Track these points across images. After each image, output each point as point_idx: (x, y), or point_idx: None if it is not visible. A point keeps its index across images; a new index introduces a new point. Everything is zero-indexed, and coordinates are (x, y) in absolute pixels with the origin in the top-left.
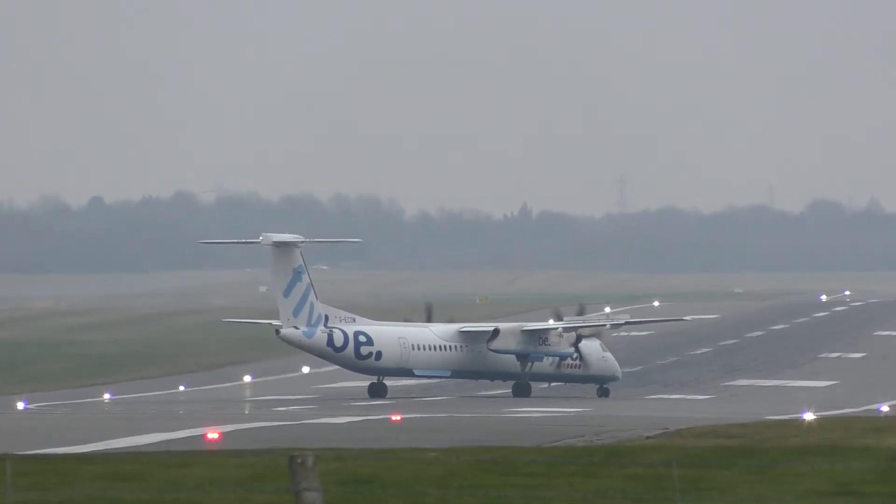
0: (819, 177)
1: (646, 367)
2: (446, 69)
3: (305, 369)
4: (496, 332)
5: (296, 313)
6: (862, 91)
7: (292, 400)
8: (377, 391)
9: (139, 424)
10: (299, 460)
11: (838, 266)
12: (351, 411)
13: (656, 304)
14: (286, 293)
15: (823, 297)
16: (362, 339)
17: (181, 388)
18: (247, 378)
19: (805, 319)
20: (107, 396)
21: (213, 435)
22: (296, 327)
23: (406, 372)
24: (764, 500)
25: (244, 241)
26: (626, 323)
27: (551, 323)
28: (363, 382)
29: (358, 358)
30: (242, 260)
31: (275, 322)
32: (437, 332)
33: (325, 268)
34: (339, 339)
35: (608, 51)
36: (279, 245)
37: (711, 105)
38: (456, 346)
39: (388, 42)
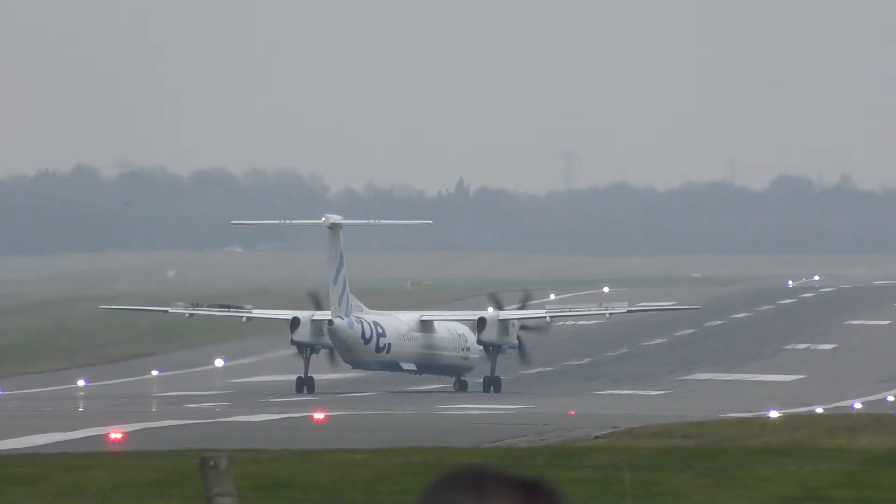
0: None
1: (594, 359)
2: (373, 34)
3: (219, 362)
4: (482, 321)
5: (340, 302)
6: (831, 59)
7: (204, 396)
8: (305, 385)
9: (34, 423)
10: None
11: (806, 248)
12: (269, 408)
13: (606, 290)
14: (335, 280)
15: (790, 283)
16: (379, 329)
17: (81, 382)
18: (154, 372)
19: (769, 307)
20: None
21: (115, 435)
22: (340, 317)
23: (396, 366)
24: None
25: (305, 221)
26: (629, 311)
27: (537, 311)
28: (287, 376)
29: (377, 351)
30: (149, 242)
31: (171, 310)
32: (406, 321)
33: (239, 250)
34: (367, 331)
35: (551, 12)
36: (333, 227)
37: (667, 71)
38: (421, 337)
39: (313, 12)
